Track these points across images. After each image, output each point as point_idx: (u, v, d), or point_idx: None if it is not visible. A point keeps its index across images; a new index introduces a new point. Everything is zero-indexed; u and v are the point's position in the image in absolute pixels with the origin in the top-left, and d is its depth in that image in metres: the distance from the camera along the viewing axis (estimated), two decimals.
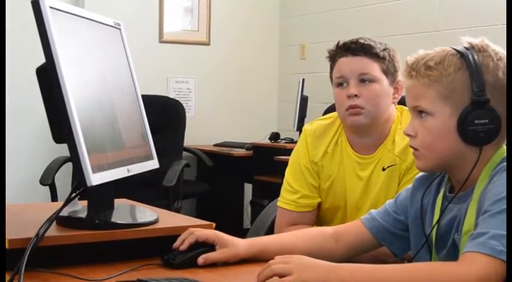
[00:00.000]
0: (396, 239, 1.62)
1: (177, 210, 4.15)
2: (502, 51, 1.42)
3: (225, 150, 5.25)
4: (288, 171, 2.21)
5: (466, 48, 1.41)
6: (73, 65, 1.50)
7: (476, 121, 1.37)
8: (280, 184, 2.23)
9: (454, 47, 1.42)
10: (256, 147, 5.15)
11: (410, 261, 1.57)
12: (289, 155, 2.27)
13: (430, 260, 1.49)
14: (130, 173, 1.67)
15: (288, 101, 5.71)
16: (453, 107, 1.39)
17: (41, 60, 1.45)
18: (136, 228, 1.61)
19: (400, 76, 1.99)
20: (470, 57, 1.38)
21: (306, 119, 4.92)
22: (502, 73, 1.39)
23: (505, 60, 1.40)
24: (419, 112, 1.43)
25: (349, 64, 2.05)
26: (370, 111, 2.03)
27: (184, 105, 5.12)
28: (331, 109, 2.37)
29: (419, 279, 1.27)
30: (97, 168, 1.48)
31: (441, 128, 1.40)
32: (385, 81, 2.05)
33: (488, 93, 1.37)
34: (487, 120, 1.37)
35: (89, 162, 1.44)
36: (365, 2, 5.08)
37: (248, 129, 5.70)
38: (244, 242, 1.61)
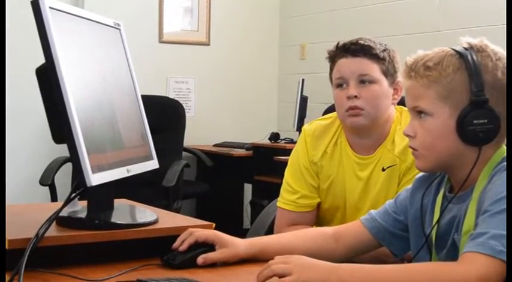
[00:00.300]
0: (396, 239, 1.62)
1: (177, 211, 4.15)
2: (501, 51, 1.42)
3: (224, 150, 5.25)
4: (287, 172, 2.21)
5: (465, 49, 1.41)
6: (73, 65, 1.50)
7: (475, 121, 1.37)
8: (280, 184, 2.23)
9: (453, 48, 1.42)
10: (256, 148, 5.15)
11: (410, 261, 1.57)
12: (289, 155, 2.26)
13: (430, 260, 1.49)
14: (130, 173, 1.67)
15: (287, 101, 5.71)
16: (452, 107, 1.39)
17: (41, 60, 1.45)
18: (136, 229, 1.61)
19: (400, 77, 2.00)
20: (469, 57, 1.38)
21: (305, 119, 4.92)
22: (501, 73, 1.39)
23: (504, 60, 1.40)
24: (418, 112, 1.43)
25: (348, 65, 2.05)
26: (369, 113, 2.03)
27: (184, 105, 5.12)
28: (330, 109, 2.37)
29: (419, 279, 1.27)
30: (97, 169, 1.48)
31: (440, 128, 1.40)
32: (384, 82, 2.05)
33: (487, 93, 1.37)
34: (486, 120, 1.37)
35: (88, 163, 1.44)
36: (365, 2, 5.09)
37: (248, 129, 5.70)
38: (244, 242, 1.61)
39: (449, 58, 1.40)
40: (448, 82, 1.39)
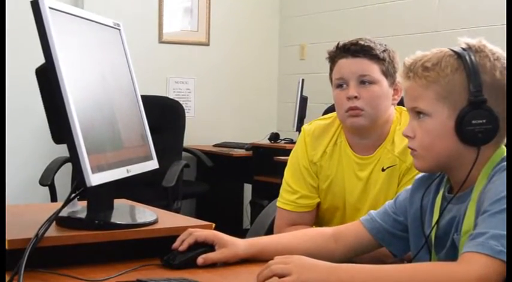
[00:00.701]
0: (396, 240, 1.62)
1: (177, 211, 4.15)
2: (500, 51, 1.42)
3: (224, 150, 5.26)
4: (287, 172, 2.21)
5: (463, 49, 1.41)
6: (72, 66, 1.50)
7: (473, 121, 1.37)
8: (280, 184, 2.23)
9: (452, 48, 1.43)
10: (255, 148, 5.15)
11: (410, 261, 1.57)
12: (288, 155, 2.26)
13: (430, 260, 1.49)
14: (130, 174, 1.67)
15: (287, 101, 5.71)
16: (451, 108, 1.39)
17: (41, 60, 1.45)
18: (136, 229, 1.61)
19: (399, 77, 2.00)
20: (467, 57, 1.39)
21: (305, 120, 4.92)
22: (499, 73, 1.39)
23: (502, 60, 1.40)
24: (417, 113, 1.44)
25: (349, 65, 2.05)
26: (369, 113, 2.03)
27: (183, 105, 5.12)
28: (330, 109, 2.37)
29: (419, 279, 1.27)
30: (97, 169, 1.48)
31: (439, 128, 1.40)
32: (384, 82, 2.05)
33: (485, 94, 1.37)
34: (484, 120, 1.37)
35: (88, 163, 1.44)
36: (365, 2, 5.09)
37: (248, 129, 5.70)
38: (244, 242, 1.61)
39: (448, 59, 1.41)
40: (447, 82, 1.39)
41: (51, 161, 4.40)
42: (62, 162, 4.34)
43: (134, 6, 5.31)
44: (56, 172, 4.27)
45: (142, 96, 1.89)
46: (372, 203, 2.05)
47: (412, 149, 1.46)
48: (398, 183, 2.05)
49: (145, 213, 1.77)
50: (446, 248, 1.45)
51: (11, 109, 4.24)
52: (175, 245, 1.56)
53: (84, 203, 1.65)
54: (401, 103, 1.98)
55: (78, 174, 1.44)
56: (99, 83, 1.64)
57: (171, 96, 5.35)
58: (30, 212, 1.82)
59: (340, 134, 2.15)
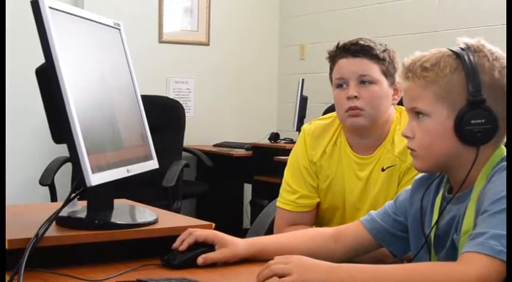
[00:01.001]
0: (396, 240, 1.62)
1: (177, 211, 4.15)
2: (499, 51, 1.42)
3: (224, 150, 5.26)
4: (286, 172, 2.21)
5: (462, 49, 1.41)
6: (72, 66, 1.50)
7: (472, 121, 1.37)
8: (280, 184, 2.23)
9: (450, 48, 1.43)
10: (255, 148, 5.15)
11: (410, 261, 1.57)
12: (288, 155, 2.26)
13: (430, 260, 1.49)
14: (130, 173, 1.67)
15: (287, 101, 5.71)
16: (450, 108, 1.39)
17: (41, 60, 1.45)
18: (136, 229, 1.61)
19: (398, 78, 2.00)
20: (466, 57, 1.39)
21: (305, 119, 4.92)
22: (498, 73, 1.39)
23: (501, 60, 1.40)
24: (416, 113, 1.44)
25: (349, 65, 2.05)
26: (369, 113, 2.03)
27: (183, 105, 5.12)
28: (330, 109, 2.37)
29: (418, 279, 1.27)
30: (96, 169, 1.48)
31: (438, 128, 1.41)
32: (384, 82, 2.05)
33: (484, 94, 1.37)
34: (483, 120, 1.37)
35: (88, 163, 1.45)
36: (365, 2, 5.09)
37: (248, 129, 5.70)
38: (244, 242, 1.62)
39: (447, 59, 1.41)
40: (446, 83, 1.39)
41: (51, 161, 4.40)
42: (62, 162, 4.34)
43: (134, 6, 5.31)
44: (56, 172, 4.28)
45: (142, 96, 1.89)
46: (371, 203, 2.05)
47: (411, 149, 1.46)
48: (398, 183, 2.05)
49: (145, 213, 1.77)
50: (446, 248, 1.45)
51: (11, 109, 4.24)
52: (175, 245, 1.56)
53: (84, 203, 1.66)
54: (401, 103, 1.98)
55: (78, 174, 1.44)
56: (99, 83, 1.64)
57: (171, 96, 5.35)
58: (30, 212, 1.82)
59: (340, 133, 2.15)
